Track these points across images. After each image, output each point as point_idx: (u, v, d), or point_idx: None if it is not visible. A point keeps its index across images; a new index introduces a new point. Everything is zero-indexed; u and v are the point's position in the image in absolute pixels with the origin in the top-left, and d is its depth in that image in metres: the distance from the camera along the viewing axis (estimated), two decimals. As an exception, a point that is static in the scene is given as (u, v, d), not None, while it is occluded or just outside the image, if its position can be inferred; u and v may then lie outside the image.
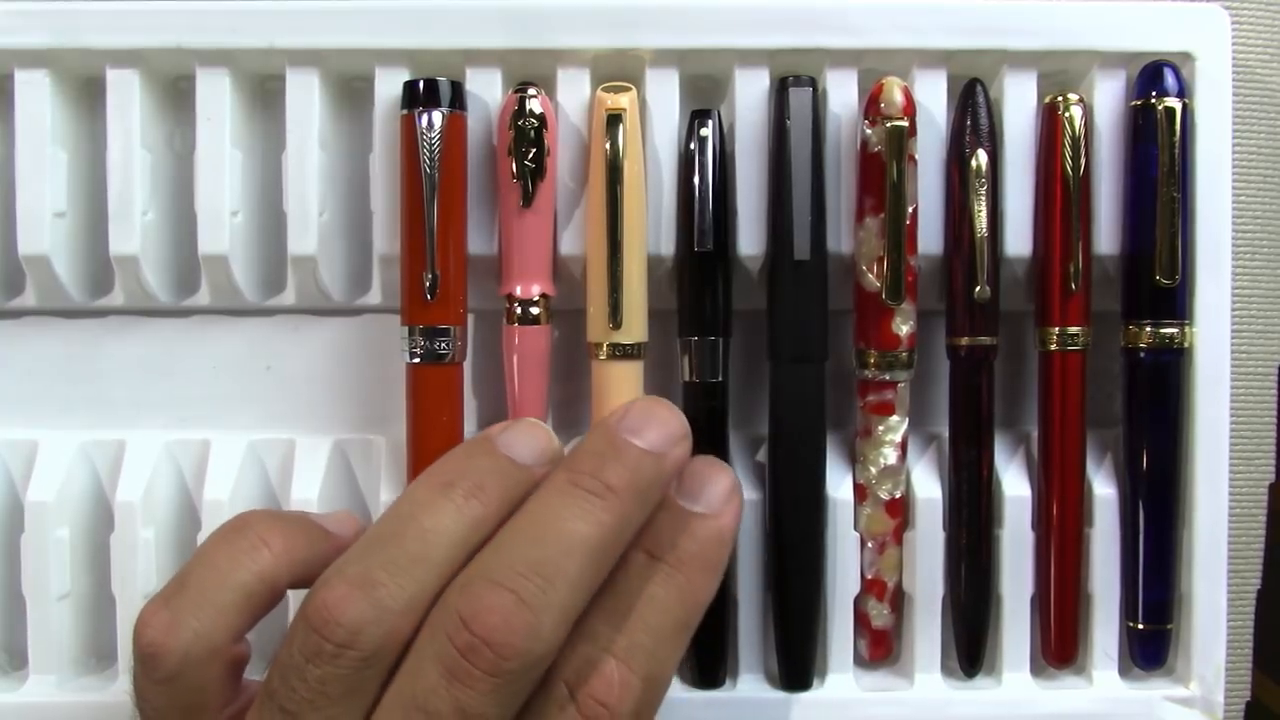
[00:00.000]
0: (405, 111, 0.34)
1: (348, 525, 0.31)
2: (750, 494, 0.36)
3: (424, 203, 0.33)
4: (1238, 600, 0.41)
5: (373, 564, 0.26)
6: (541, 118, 0.34)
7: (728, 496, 0.29)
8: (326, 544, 0.29)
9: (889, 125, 0.34)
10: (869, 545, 0.36)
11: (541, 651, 0.25)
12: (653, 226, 0.35)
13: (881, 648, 0.37)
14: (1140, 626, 0.36)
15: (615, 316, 0.34)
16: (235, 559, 0.27)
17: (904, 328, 0.35)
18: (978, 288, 0.35)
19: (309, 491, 0.36)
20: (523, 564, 0.25)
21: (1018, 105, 0.35)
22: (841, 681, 0.36)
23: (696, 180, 0.34)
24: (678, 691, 0.36)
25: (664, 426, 0.28)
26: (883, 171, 0.34)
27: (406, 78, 0.34)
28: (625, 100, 0.34)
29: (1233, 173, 0.35)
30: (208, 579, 0.27)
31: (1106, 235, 0.35)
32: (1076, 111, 0.34)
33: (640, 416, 0.28)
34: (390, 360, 0.36)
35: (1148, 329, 0.35)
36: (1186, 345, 0.35)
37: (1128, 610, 0.36)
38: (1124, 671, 0.36)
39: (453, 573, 0.26)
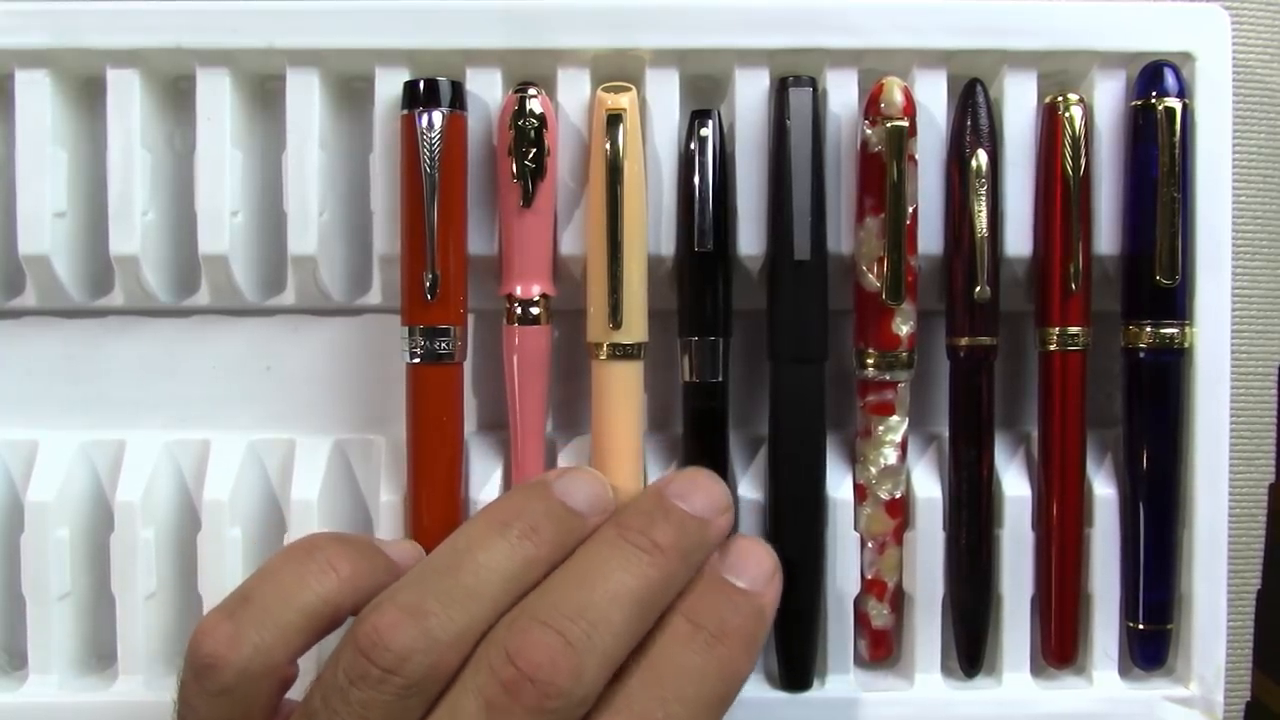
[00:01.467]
0: (405, 111, 0.34)
1: (411, 555, 0.32)
2: (750, 494, 0.36)
3: (424, 203, 0.33)
4: (1238, 600, 0.41)
5: (426, 593, 0.26)
6: (541, 118, 0.34)
7: (771, 575, 0.30)
8: (390, 574, 0.30)
9: (889, 125, 0.34)
10: (869, 545, 0.36)
11: (582, 695, 0.26)
12: (653, 226, 0.35)
13: (881, 648, 0.37)
14: (1140, 626, 0.36)
15: (615, 316, 0.34)
16: (303, 580, 0.28)
17: (904, 328, 0.35)
18: (978, 288, 0.35)
19: (309, 492, 0.36)
20: (570, 608, 0.26)
21: (1018, 105, 0.35)
22: (841, 682, 0.36)
23: (696, 180, 0.34)
24: (678, 691, 0.36)
25: (709, 494, 0.30)
26: (883, 171, 0.34)
27: (406, 78, 0.34)
28: (625, 100, 0.34)
29: (1233, 173, 0.35)
30: (272, 597, 0.27)
31: (1106, 235, 0.35)
32: (1077, 111, 0.34)
33: (687, 483, 0.30)
34: (390, 360, 0.36)
35: (1148, 329, 0.35)
36: (1186, 345, 0.35)
37: (1128, 610, 0.36)
38: (1124, 672, 0.36)
39: (502, 610, 0.27)
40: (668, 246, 0.35)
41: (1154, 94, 0.34)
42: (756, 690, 0.36)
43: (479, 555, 0.27)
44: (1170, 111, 0.34)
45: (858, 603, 0.36)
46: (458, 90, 0.34)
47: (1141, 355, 0.35)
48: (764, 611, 0.29)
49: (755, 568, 0.29)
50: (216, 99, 0.35)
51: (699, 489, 0.29)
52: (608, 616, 0.26)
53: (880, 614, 0.36)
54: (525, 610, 0.26)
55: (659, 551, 0.28)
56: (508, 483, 0.36)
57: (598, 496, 0.30)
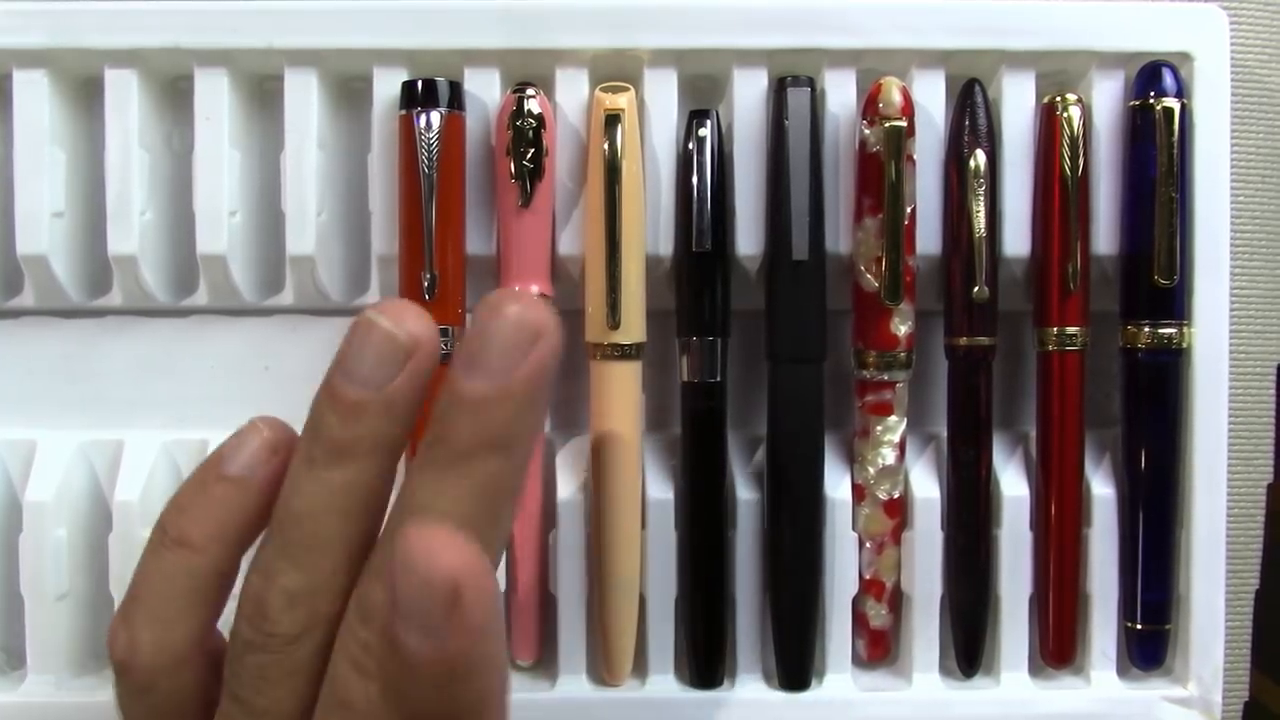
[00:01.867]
0: (404, 111, 0.34)
1: (253, 455, 0.27)
2: (749, 494, 0.36)
3: (422, 203, 0.33)
4: (1236, 600, 0.41)
5: (272, 553, 0.25)
6: (540, 118, 0.34)
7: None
8: (244, 497, 0.27)
9: (887, 125, 0.34)
10: (867, 545, 0.36)
11: None
12: (651, 226, 0.35)
13: (880, 648, 0.37)
14: (1138, 627, 0.36)
15: (614, 316, 0.34)
16: (163, 566, 0.27)
17: (902, 328, 0.35)
18: (976, 288, 0.35)
19: (307, 491, 0.36)
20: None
21: (1016, 105, 0.35)
22: (840, 682, 0.36)
23: (695, 180, 0.34)
24: (677, 691, 0.36)
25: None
26: (881, 172, 0.34)
27: (405, 78, 0.34)
28: (624, 100, 0.34)
29: (1231, 173, 0.35)
30: (149, 592, 0.27)
31: (1105, 235, 0.35)
32: (1075, 111, 0.34)
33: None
34: (389, 360, 0.36)
35: (1146, 329, 0.35)
36: (1185, 345, 0.35)
37: (1126, 610, 0.36)
38: (1122, 672, 0.36)
39: (357, 536, 0.25)
40: (666, 246, 0.35)
41: (1152, 94, 0.34)
42: (755, 690, 0.36)
43: (295, 504, 0.25)
44: (1168, 111, 0.34)
45: (856, 603, 0.36)
46: (456, 90, 0.34)
47: (1140, 355, 0.35)
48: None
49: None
50: (215, 99, 0.35)
51: (489, 340, 0.23)
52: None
53: (878, 614, 0.36)
54: (370, 569, 0.24)
55: (461, 461, 0.23)
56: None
57: (382, 353, 0.24)
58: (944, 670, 0.36)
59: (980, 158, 0.35)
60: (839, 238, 0.35)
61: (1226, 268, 0.35)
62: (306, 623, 0.25)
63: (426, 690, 0.22)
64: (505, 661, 0.24)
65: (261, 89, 0.37)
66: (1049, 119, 0.35)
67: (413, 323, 0.24)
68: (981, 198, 0.35)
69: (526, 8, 0.34)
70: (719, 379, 0.35)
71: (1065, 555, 0.36)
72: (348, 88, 0.37)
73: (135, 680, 0.26)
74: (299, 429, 0.38)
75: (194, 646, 0.27)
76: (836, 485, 0.36)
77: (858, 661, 0.37)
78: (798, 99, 0.34)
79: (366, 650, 0.23)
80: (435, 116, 0.33)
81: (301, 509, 0.25)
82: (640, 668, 0.36)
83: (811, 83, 0.34)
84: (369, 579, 0.24)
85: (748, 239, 0.35)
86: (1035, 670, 0.36)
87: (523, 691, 0.35)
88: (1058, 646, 0.36)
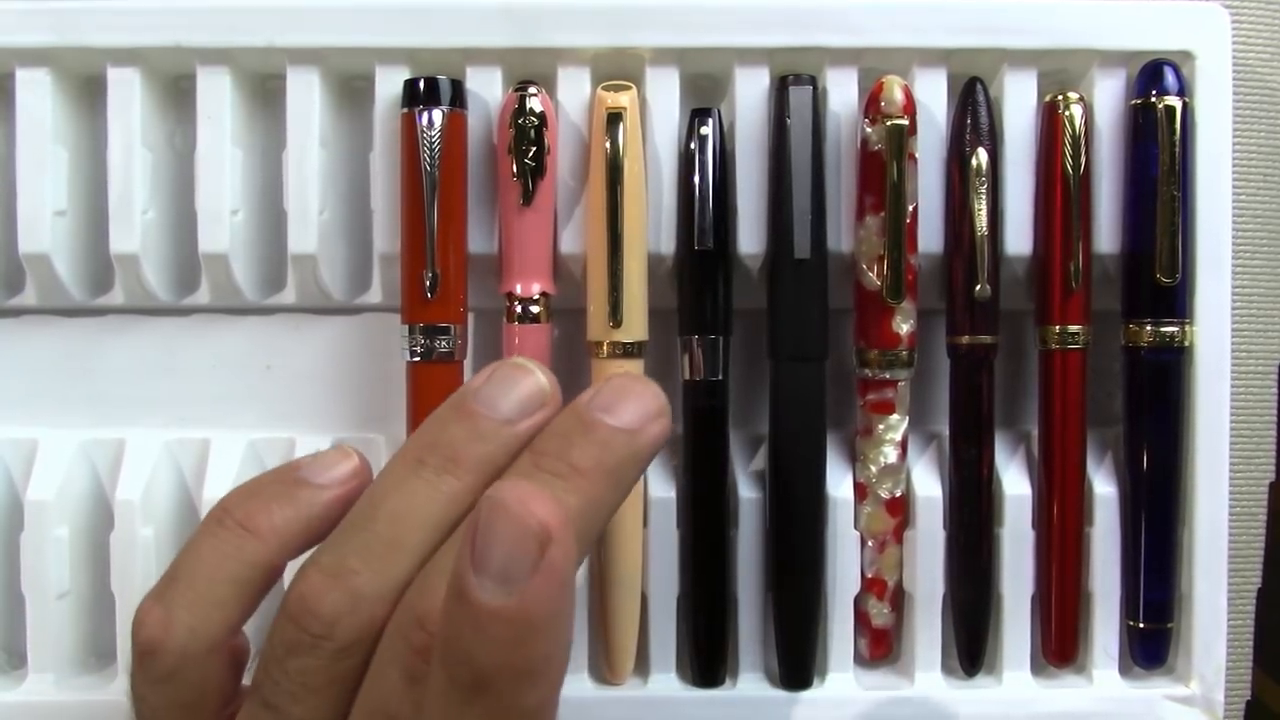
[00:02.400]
0: (405, 110, 0.34)
1: (338, 467, 0.28)
2: (751, 493, 0.36)
3: (424, 201, 0.33)
4: (1238, 599, 0.41)
5: (346, 552, 0.25)
6: (542, 116, 0.34)
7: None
8: (318, 503, 0.27)
9: (889, 124, 0.34)
10: (869, 544, 0.36)
11: None
12: (653, 225, 0.35)
13: (882, 647, 0.37)
14: (1141, 625, 0.36)
15: (615, 315, 0.34)
16: (220, 550, 0.26)
17: (904, 326, 0.35)
18: (978, 286, 0.35)
19: (309, 490, 0.36)
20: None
21: (1018, 104, 0.35)
22: (842, 680, 0.36)
23: (697, 179, 0.34)
24: (678, 690, 0.36)
25: (638, 402, 0.26)
26: (883, 170, 0.34)
27: (407, 76, 0.34)
28: (625, 99, 0.34)
29: (1233, 172, 0.35)
30: (197, 573, 0.26)
31: (1107, 234, 0.35)
32: (1076, 110, 0.35)
33: (611, 394, 0.26)
34: (390, 359, 0.36)
35: (1148, 328, 0.35)
36: (1187, 344, 0.35)
37: (1128, 609, 0.36)
38: (1124, 670, 0.36)
39: (432, 552, 0.25)
40: (668, 245, 0.35)
41: (1154, 93, 0.34)
42: (757, 689, 0.36)
43: (392, 503, 0.25)
44: (1170, 110, 0.34)
45: (858, 601, 0.36)
46: (458, 89, 0.34)
47: (1142, 354, 0.35)
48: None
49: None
50: (217, 98, 0.35)
51: (626, 397, 0.25)
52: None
53: (880, 613, 0.36)
54: (434, 568, 0.24)
55: (578, 475, 0.24)
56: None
57: (528, 395, 0.26)
58: (946, 669, 0.36)
59: (982, 156, 0.35)
60: (841, 236, 0.35)
61: (1228, 266, 0.35)
62: (362, 631, 0.24)
63: (496, 651, 0.21)
64: (572, 624, 0.23)
65: (264, 88, 0.37)
66: (1051, 118, 0.35)
67: (547, 376, 0.26)
68: (983, 196, 0.35)
69: (528, 6, 0.34)
70: (721, 377, 0.35)
71: (1067, 554, 0.36)
72: (350, 86, 0.37)
73: (162, 665, 0.25)
74: (299, 428, 0.38)
75: (228, 638, 0.26)
76: (838, 484, 0.36)
77: (859, 660, 0.37)
78: (799, 97, 0.34)
79: (421, 655, 0.23)
80: (437, 115, 0.33)
81: (399, 508, 0.25)
82: (642, 666, 0.36)
83: (813, 81, 0.34)
84: (423, 585, 0.24)
85: (749, 237, 0.35)
86: (1037, 669, 0.36)
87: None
88: (1060, 645, 0.36)
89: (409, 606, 0.24)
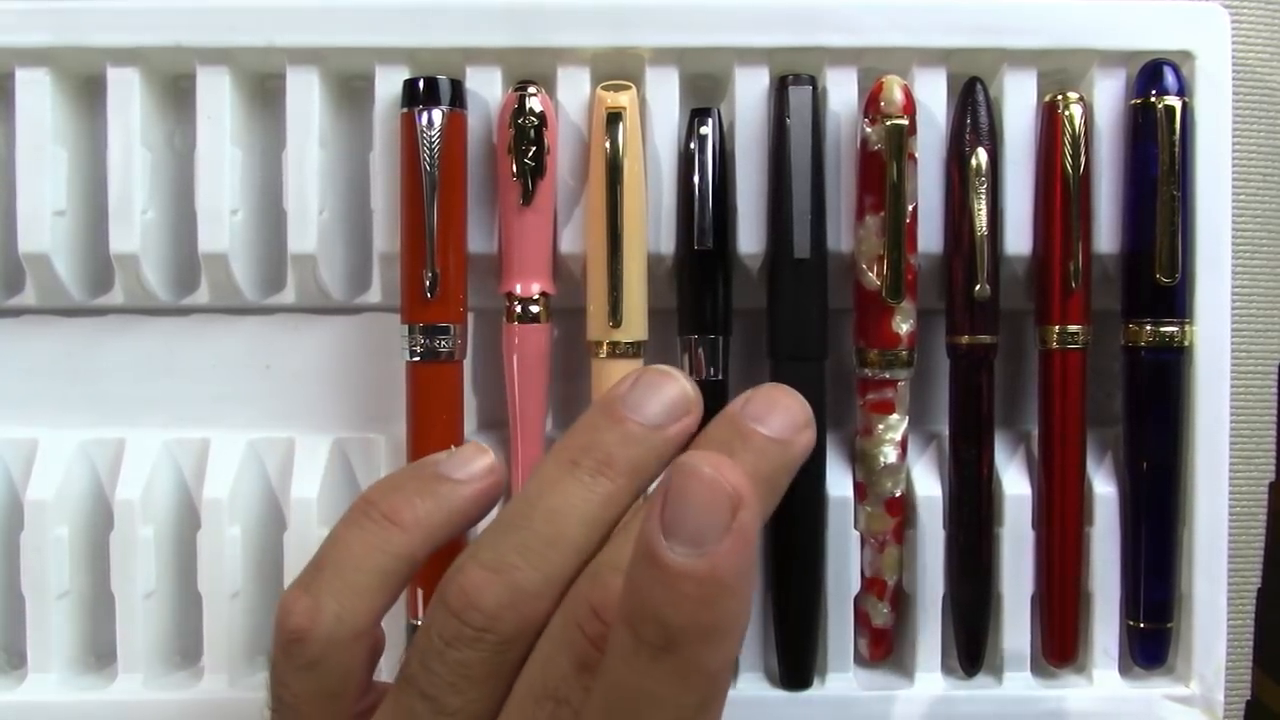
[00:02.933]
0: (405, 110, 0.34)
1: (476, 463, 0.29)
2: (750, 493, 0.36)
3: (424, 201, 0.33)
4: (1238, 599, 0.41)
5: (506, 548, 0.26)
6: (541, 116, 0.34)
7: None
8: (457, 497, 0.28)
9: (889, 124, 0.34)
10: (869, 544, 0.36)
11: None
12: (653, 225, 0.35)
13: (881, 647, 0.37)
14: (1141, 625, 0.36)
15: (615, 315, 0.34)
16: (367, 540, 0.27)
17: (904, 326, 0.35)
18: (978, 286, 0.35)
19: (309, 490, 0.36)
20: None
21: (1018, 104, 0.35)
22: (841, 680, 0.36)
23: (696, 179, 0.34)
24: (678, 690, 0.36)
25: (787, 413, 0.27)
26: (883, 170, 0.34)
27: (406, 76, 0.34)
28: (625, 99, 0.34)
29: (1233, 171, 0.35)
30: (344, 563, 0.27)
31: (1106, 234, 0.35)
32: (1076, 110, 0.34)
33: (763, 403, 0.27)
34: (390, 359, 0.36)
35: (1148, 327, 0.35)
36: (1186, 344, 0.35)
37: (1128, 609, 0.36)
38: (1124, 670, 0.36)
39: (589, 552, 0.26)
40: (668, 245, 0.35)
41: (1154, 92, 0.34)
42: (756, 689, 0.36)
43: (551, 500, 0.26)
44: (1170, 110, 0.34)
45: (858, 601, 0.36)
46: (457, 88, 0.34)
47: (1142, 354, 0.35)
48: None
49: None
50: (216, 97, 0.35)
51: (776, 408, 0.27)
52: None
53: (880, 613, 0.36)
54: (605, 561, 0.26)
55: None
56: (508, 481, 0.36)
57: (674, 401, 0.27)
58: (946, 669, 0.36)
59: (982, 156, 0.35)
60: (840, 236, 0.35)
61: (1228, 266, 0.35)
62: (522, 625, 0.25)
63: (688, 611, 0.22)
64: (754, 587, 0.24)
65: (263, 87, 0.37)
66: (1050, 117, 0.35)
67: (690, 383, 0.27)
68: (983, 196, 0.35)
69: (528, 6, 0.34)
70: (721, 377, 0.35)
71: (1067, 554, 0.36)
72: (349, 86, 0.37)
73: (308, 652, 0.26)
74: (299, 428, 0.38)
75: (371, 627, 0.27)
76: (838, 484, 0.36)
77: (859, 660, 0.37)
78: (799, 97, 0.34)
79: (594, 644, 0.24)
80: (437, 115, 0.33)
81: (558, 506, 0.26)
82: (642, 666, 0.36)
83: (813, 81, 0.34)
84: (596, 577, 0.25)
85: (749, 237, 0.35)
86: (1037, 669, 0.36)
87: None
88: (1060, 645, 0.36)
89: (582, 597, 0.25)
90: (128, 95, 0.35)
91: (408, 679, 0.26)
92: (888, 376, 0.35)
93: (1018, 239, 0.35)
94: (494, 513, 0.29)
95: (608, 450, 0.26)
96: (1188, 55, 0.35)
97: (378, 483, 0.29)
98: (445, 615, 0.25)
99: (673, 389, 0.27)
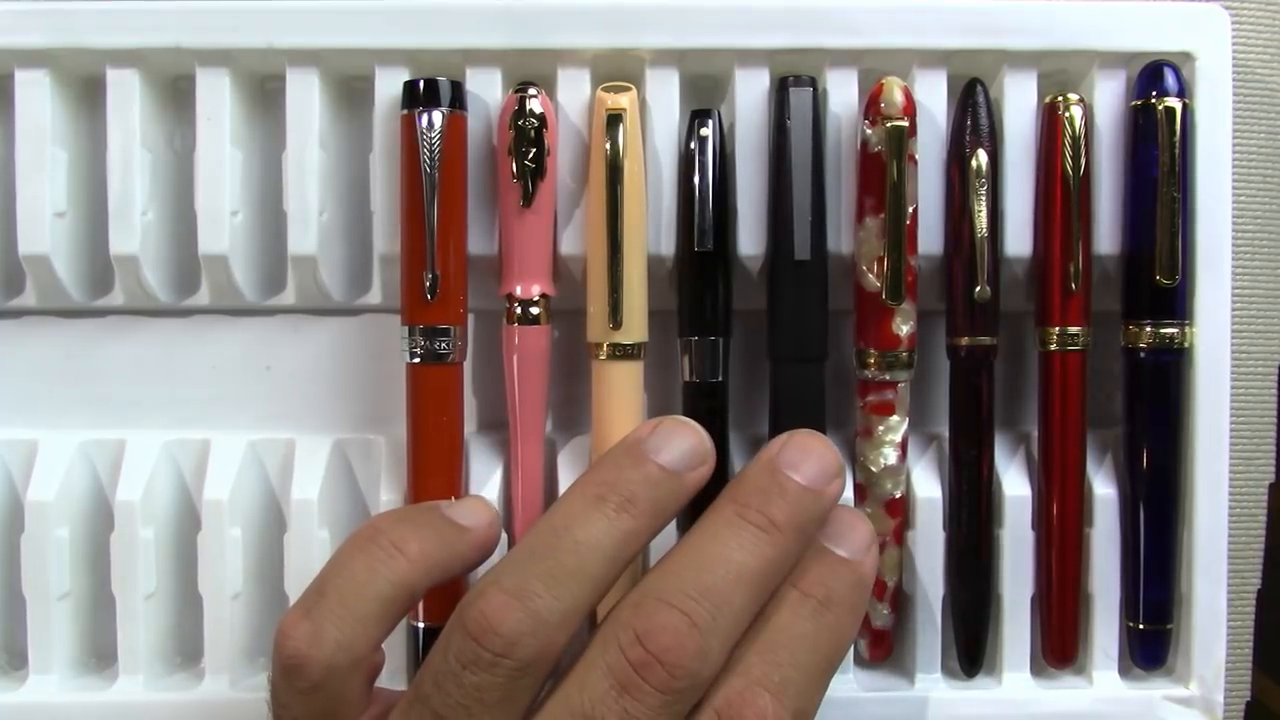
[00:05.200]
0: (405, 111, 0.34)
1: (481, 514, 0.31)
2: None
3: (424, 202, 0.33)
4: (1238, 600, 0.41)
5: (529, 575, 0.26)
6: (542, 117, 0.34)
7: (868, 545, 0.30)
8: (460, 540, 0.30)
9: (889, 125, 0.34)
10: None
11: (708, 674, 0.26)
12: (653, 226, 0.35)
13: (881, 648, 0.37)
14: (1140, 626, 0.36)
15: (615, 316, 0.34)
16: (372, 567, 0.28)
17: (904, 328, 0.35)
18: (978, 288, 0.35)
19: (309, 491, 0.36)
20: (694, 589, 0.26)
21: (1018, 105, 0.35)
22: (842, 681, 0.36)
23: (696, 180, 0.34)
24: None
25: (821, 462, 0.29)
26: (883, 171, 0.34)
27: (406, 77, 0.34)
28: (625, 100, 0.34)
29: (1233, 173, 0.35)
30: (346, 589, 0.27)
31: (1106, 235, 0.35)
32: (1077, 111, 0.34)
33: (798, 452, 0.29)
34: (390, 360, 0.36)
35: (1148, 329, 0.35)
36: (1186, 345, 0.35)
37: (1128, 610, 0.36)
38: (1124, 671, 0.36)
39: (607, 585, 0.27)
40: (668, 246, 0.35)
41: (1154, 94, 0.34)
42: (756, 690, 0.36)
43: (577, 533, 0.27)
44: (1170, 111, 0.34)
45: (858, 602, 0.36)
46: (458, 90, 0.34)
47: (1141, 355, 0.35)
48: (865, 580, 0.30)
49: (855, 536, 0.30)
50: (216, 99, 0.35)
51: (810, 456, 0.29)
52: (730, 599, 0.27)
53: (880, 614, 0.36)
54: (650, 590, 0.27)
55: (776, 530, 0.28)
56: (508, 483, 0.36)
57: (693, 450, 0.29)
58: (946, 670, 0.36)
59: (982, 157, 0.35)
60: (841, 237, 0.35)
61: (1228, 267, 0.35)
62: (540, 653, 0.26)
63: (846, 588, 0.29)
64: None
65: (263, 89, 0.37)
66: (1051, 119, 0.35)
67: (705, 435, 0.30)
68: (983, 197, 0.35)
69: (528, 7, 0.34)
70: (720, 379, 0.35)
71: (1067, 555, 0.36)
72: (349, 87, 0.37)
73: (308, 677, 0.26)
74: (299, 429, 0.38)
75: (370, 654, 0.27)
76: (838, 485, 0.36)
77: (859, 661, 0.37)
78: (799, 99, 0.34)
79: (637, 669, 0.25)
80: (437, 116, 0.33)
81: (584, 540, 0.27)
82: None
83: (813, 82, 0.34)
84: (640, 605, 0.26)
85: (749, 239, 0.35)
86: (1037, 670, 0.36)
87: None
88: (1059, 646, 0.36)
89: (624, 624, 0.26)
90: (128, 96, 0.35)
91: (420, 698, 0.26)
92: (888, 378, 0.35)
93: (1018, 240, 0.35)
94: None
95: (632, 489, 0.28)
96: (1188, 56, 0.35)
97: (385, 513, 0.30)
98: (463, 638, 0.25)
99: (691, 438, 0.29)
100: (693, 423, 0.30)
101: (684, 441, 0.29)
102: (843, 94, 0.35)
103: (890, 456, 0.35)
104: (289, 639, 0.27)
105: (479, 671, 0.25)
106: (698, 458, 0.29)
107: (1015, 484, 0.36)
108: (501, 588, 0.26)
